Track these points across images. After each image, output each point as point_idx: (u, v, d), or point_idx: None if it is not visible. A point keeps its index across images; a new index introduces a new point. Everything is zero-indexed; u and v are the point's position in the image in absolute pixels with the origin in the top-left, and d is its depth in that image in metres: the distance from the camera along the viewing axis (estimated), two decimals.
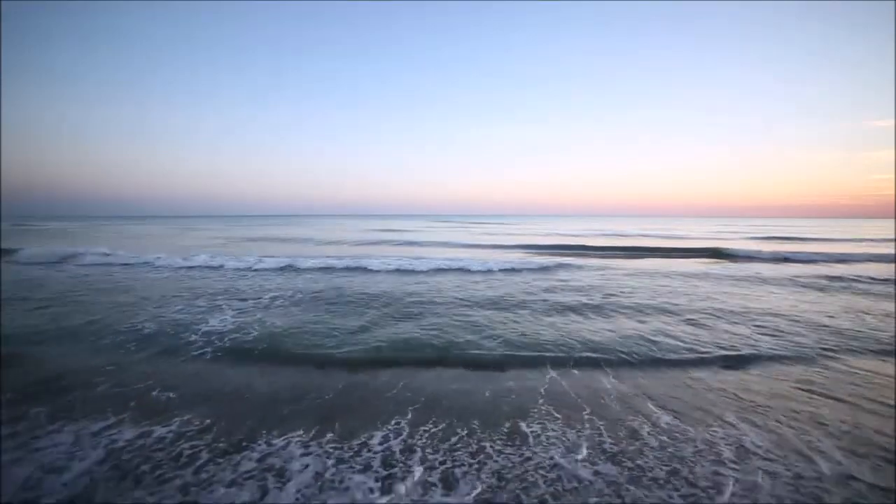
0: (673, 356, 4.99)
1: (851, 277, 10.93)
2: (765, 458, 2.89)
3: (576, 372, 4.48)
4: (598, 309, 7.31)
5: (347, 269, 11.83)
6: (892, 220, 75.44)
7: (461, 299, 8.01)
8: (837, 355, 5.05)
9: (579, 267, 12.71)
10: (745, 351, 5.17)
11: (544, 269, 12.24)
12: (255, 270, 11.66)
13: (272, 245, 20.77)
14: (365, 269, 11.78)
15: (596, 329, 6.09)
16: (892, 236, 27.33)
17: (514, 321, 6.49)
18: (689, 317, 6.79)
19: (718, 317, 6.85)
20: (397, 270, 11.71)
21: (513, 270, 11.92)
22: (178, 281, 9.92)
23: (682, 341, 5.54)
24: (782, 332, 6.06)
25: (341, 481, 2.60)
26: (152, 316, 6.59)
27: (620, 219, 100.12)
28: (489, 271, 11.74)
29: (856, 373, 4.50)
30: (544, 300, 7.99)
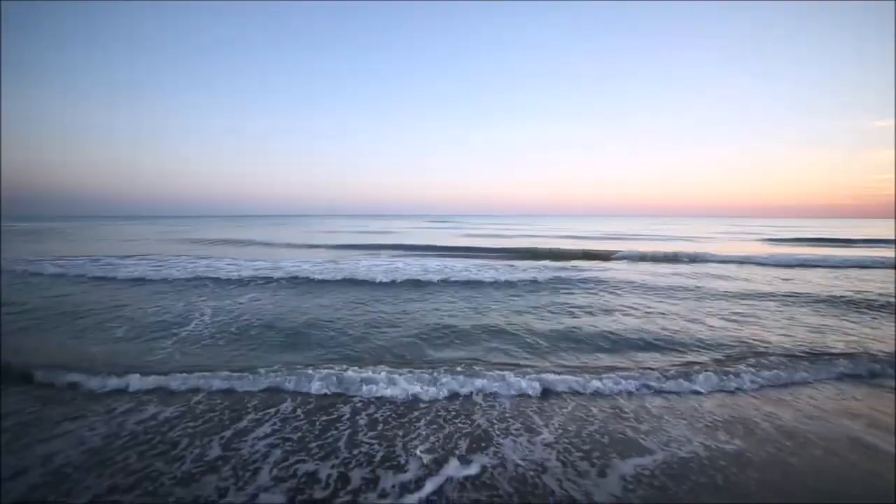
0: None
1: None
2: None
3: None
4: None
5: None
6: (893, 220, 75.78)
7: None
8: None
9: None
10: None
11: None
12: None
13: (200, 248, 20.03)
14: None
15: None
16: (892, 237, 27.02)
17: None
18: None
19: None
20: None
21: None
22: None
23: None
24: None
25: None
26: None
27: (612, 219, 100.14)
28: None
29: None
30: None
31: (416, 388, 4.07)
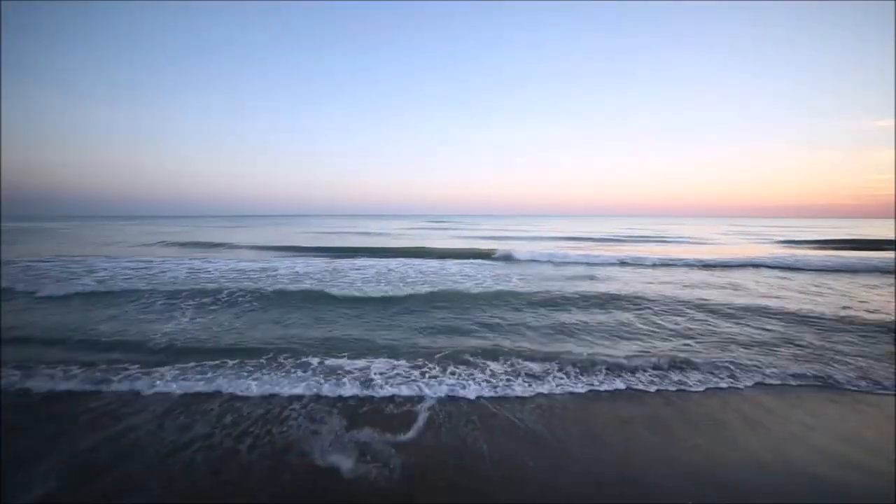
0: None
1: None
2: None
3: None
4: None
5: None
6: (892, 220, 75.30)
7: None
8: None
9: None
10: None
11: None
12: None
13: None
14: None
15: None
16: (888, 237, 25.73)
17: None
18: None
19: None
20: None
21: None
22: None
23: None
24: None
25: None
26: None
27: (612, 219, 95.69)
28: None
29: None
30: None
31: None
